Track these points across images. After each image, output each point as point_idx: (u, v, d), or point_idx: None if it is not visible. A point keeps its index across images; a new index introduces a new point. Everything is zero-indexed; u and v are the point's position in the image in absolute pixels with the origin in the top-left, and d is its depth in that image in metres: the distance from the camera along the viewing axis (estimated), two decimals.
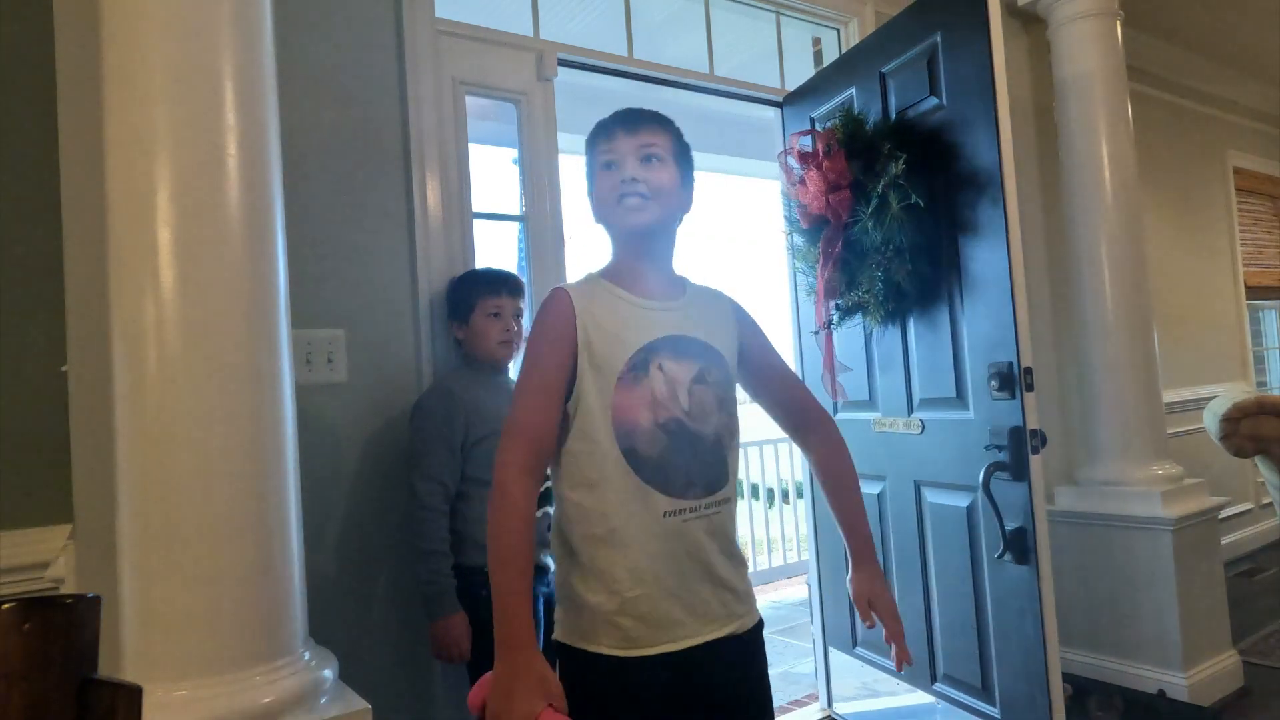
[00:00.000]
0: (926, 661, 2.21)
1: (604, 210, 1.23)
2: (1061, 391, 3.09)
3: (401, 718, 1.79)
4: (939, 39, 2.08)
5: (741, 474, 4.05)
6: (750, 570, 1.32)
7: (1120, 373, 2.76)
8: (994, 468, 1.92)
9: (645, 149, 1.20)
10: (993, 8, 1.91)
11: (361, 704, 1.16)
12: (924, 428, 2.20)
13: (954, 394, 2.09)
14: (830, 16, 2.81)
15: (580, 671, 1.14)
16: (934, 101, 2.12)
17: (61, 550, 1.45)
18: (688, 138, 1.29)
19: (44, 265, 1.48)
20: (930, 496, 2.20)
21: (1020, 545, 1.89)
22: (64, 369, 1.47)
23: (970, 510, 2.06)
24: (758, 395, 1.34)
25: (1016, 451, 1.89)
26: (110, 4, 1.16)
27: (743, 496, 5.21)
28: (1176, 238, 4.18)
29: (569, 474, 1.16)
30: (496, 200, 2.18)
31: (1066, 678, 1.89)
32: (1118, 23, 2.85)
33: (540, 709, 0.98)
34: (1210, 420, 2.91)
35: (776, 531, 5.00)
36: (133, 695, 0.51)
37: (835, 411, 2.48)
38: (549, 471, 1.19)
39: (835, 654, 2.60)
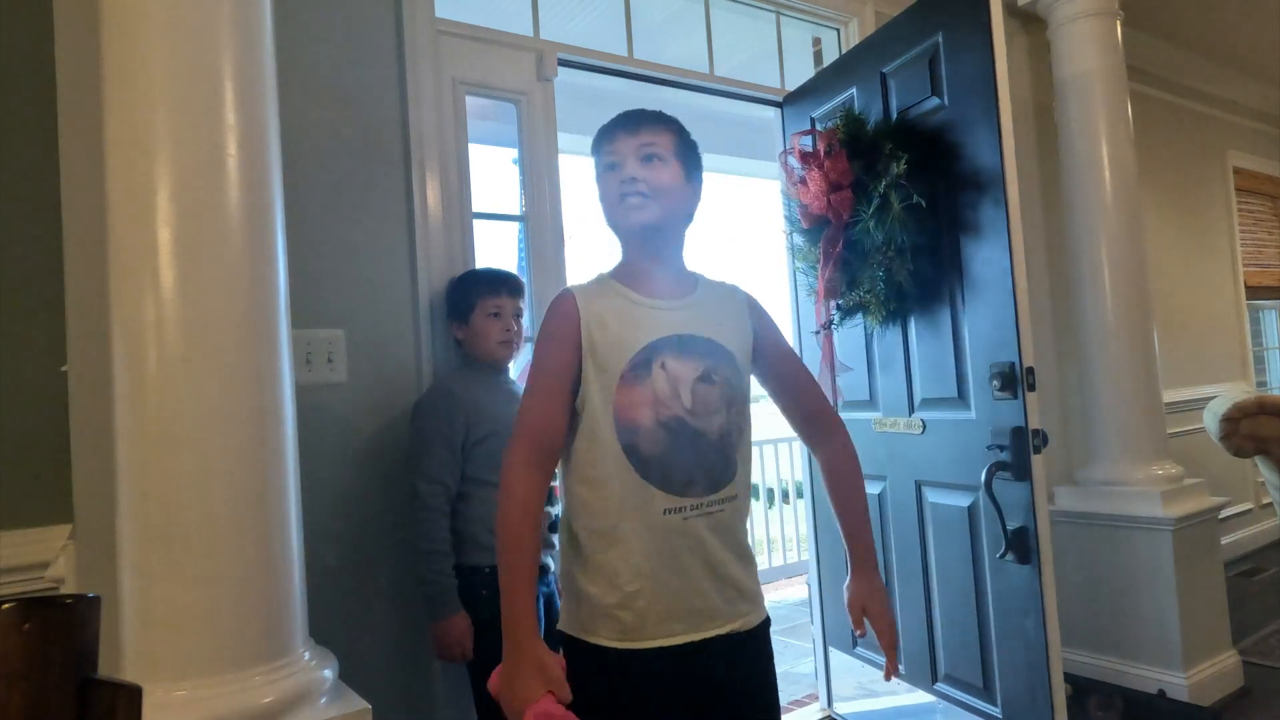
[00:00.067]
0: (928, 661, 2.21)
1: (609, 211, 1.25)
2: (1061, 391, 3.10)
3: (401, 718, 1.79)
4: (940, 39, 2.08)
5: None
6: None
7: (1120, 373, 2.76)
8: (996, 467, 1.92)
9: (645, 148, 1.21)
10: (994, 8, 1.91)
11: (361, 704, 1.16)
12: (925, 428, 2.20)
13: (955, 394, 2.09)
14: (830, 16, 2.81)
15: (581, 662, 1.16)
16: (935, 102, 2.12)
17: (61, 550, 1.45)
18: None
19: (44, 265, 1.48)
20: (931, 496, 2.20)
21: (1022, 545, 1.89)
22: (64, 369, 1.47)
23: (972, 510, 2.06)
24: (770, 393, 1.34)
25: (1018, 451, 1.89)
26: (110, 4, 1.16)
27: None
28: (1176, 238, 4.18)
29: (575, 470, 1.19)
30: (496, 200, 2.18)
31: (1066, 678, 1.89)
32: (1118, 23, 2.85)
33: (539, 695, 1.03)
34: (1210, 420, 2.91)
35: (776, 531, 5.00)
36: (133, 695, 0.51)
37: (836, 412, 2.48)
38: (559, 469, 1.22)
39: (835, 654, 2.60)
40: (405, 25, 1.92)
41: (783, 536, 4.99)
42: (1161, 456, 2.76)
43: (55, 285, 1.47)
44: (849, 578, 1.35)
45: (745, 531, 1.24)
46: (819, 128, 2.40)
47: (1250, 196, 4.87)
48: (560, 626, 1.22)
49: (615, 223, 1.25)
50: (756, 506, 5.13)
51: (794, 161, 2.27)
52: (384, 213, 1.88)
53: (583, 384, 1.17)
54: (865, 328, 2.34)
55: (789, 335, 2.68)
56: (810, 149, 2.22)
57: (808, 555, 2.91)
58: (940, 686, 2.19)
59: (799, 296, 2.61)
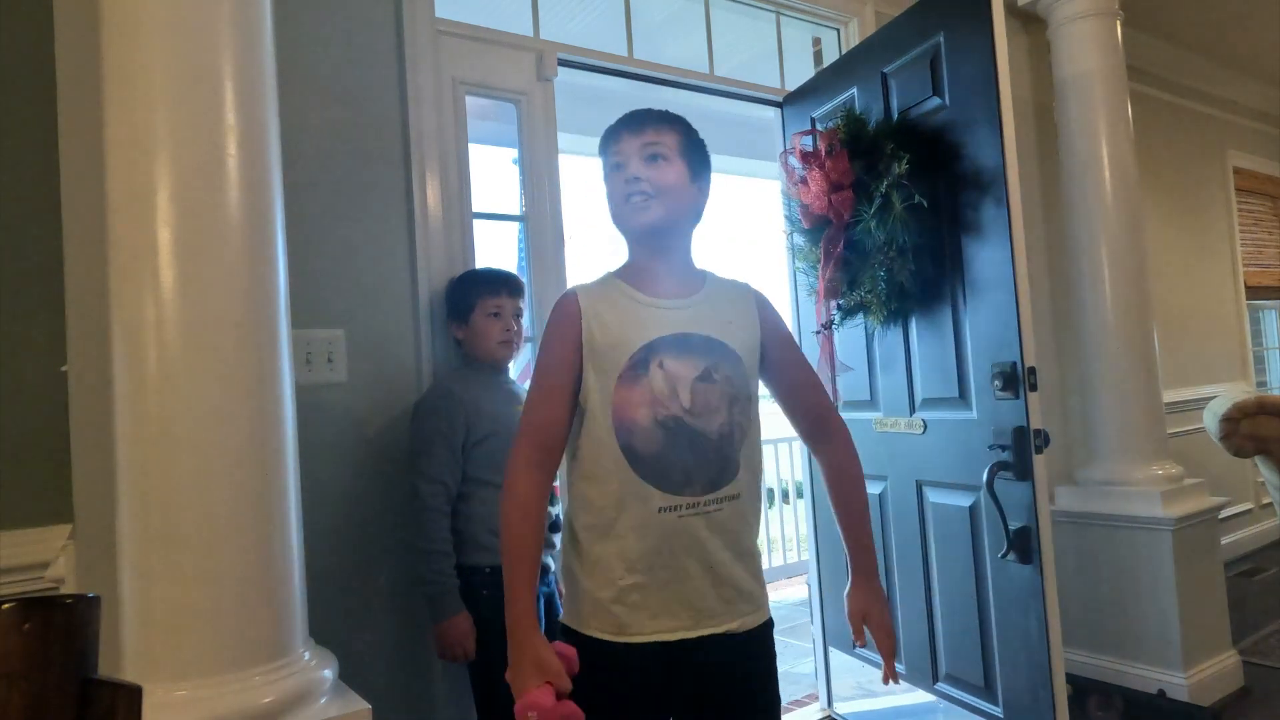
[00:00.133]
0: (928, 661, 2.21)
1: (614, 211, 1.26)
2: (1062, 391, 3.10)
3: (401, 718, 1.78)
4: (942, 39, 2.08)
5: None
6: None
7: (1120, 373, 2.76)
8: (998, 467, 1.92)
9: (649, 148, 1.22)
10: (996, 8, 1.91)
11: (361, 704, 1.16)
12: (926, 427, 2.20)
13: (957, 394, 2.09)
14: (830, 16, 2.81)
15: (578, 653, 1.17)
16: (937, 102, 2.12)
17: (61, 550, 1.45)
18: None
19: (44, 265, 1.48)
20: (932, 496, 2.20)
21: (1024, 545, 1.89)
22: (64, 369, 1.47)
23: (973, 510, 2.06)
24: (775, 393, 1.33)
25: (1020, 451, 1.89)
26: (110, 4, 1.16)
27: None
28: (1176, 238, 4.18)
29: (576, 466, 1.21)
30: (496, 200, 2.18)
31: (1066, 678, 1.89)
32: (1118, 23, 2.85)
33: (536, 686, 1.06)
34: (1210, 420, 2.91)
35: (776, 531, 5.00)
36: (133, 695, 0.51)
37: None
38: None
39: (835, 654, 2.60)
40: (405, 25, 1.92)
41: (783, 536, 4.99)
42: (1161, 456, 2.76)
43: (55, 285, 1.47)
44: (849, 585, 1.35)
45: (750, 532, 1.23)
46: (819, 128, 2.40)
47: (1250, 196, 4.87)
48: (561, 618, 1.25)
49: (620, 222, 1.26)
50: None
51: (795, 161, 2.27)
52: (384, 213, 1.88)
53: (583, 383, 1.18)
54: (866, 327, 2.34)
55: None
56: (811, 149, 2.22)
57: (808, 555, 2.91)
58: (941, 686, 2.19)
59: (799, 296, 2.61)
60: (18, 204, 1.49)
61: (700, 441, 1.16)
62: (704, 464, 1.16)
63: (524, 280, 1.94)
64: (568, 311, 1.21)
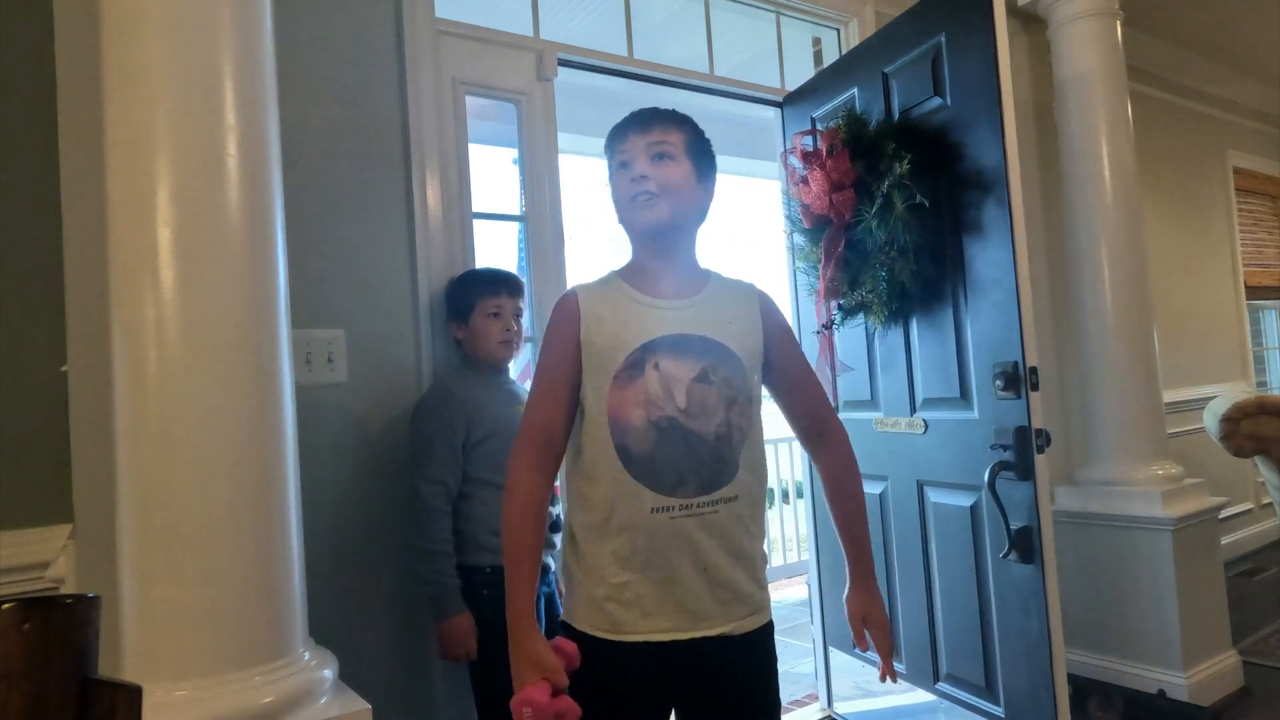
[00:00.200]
0: (929, 661, 2.21)
1: (620, 210, 1.26)
2: (1062, 391, 3.10)
3: (401, 718, 1.78)
4: (943, 39, 2.08)
5: None
6: None
7: (1120, 373, 2.76)
8: (999, 467, 1.92)
9: (655, 147, 1.22)
10: (997, 9, 1.91)
11: (361, 704, 1.16)
12: (927, 427, 2.19)
13: (958, 394, 2.09)
14: (830, 16, 2.81)
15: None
16: (938, 101, 2.12)
17: (61, 550, 1.45)
18: None
19: (44, 265, 1.48)
20: (933, 496, 2.20)
21: (1025, 544, 1.89)
22: (64, 369, 1.46)
23: (974, 510, 2.06)
24: (774, 395, 1.33)
25: (1022, 451, 1.89)
26: (110, 4, 1.16)
27: None
28: (1176, 238, 4.18)
29: (575, 465, 1.22)
30: (496, 200, 2.18)
31: (1067, 678, 1.89)
32: (1118, 23, 2.85)
33: (532, 681, 1.08)
34: (1210, 420, 2.91)
35: (776, 531, 5.00)
36: (133, 695, 0.51)
37: (835, 412, 2.48)
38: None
39: (835, 654, 2.60)
40: (405, 25, 1.92)
41: (783, 536, 4.99)
42: (1161, 456, 2.76)
43: (55, 285, 1.47)
44: (848, 589, 1.35)
45: (748, 535, 1.21)
46: (820, 128, 2.40)
47: (1250, 196, 4.87)
48: (560, 616, 1.26)
49: (626, 221, 1.26)
50: None
51: (796, 161, 2.26)
52: (384, 213, 1.88)
53: (582, 382, 1.19)
54: (867, 327, 2.34)
55: None
56: (812, 148, 2.22)
57: (808, 555, 2.91)
58: (942, 686, 2.19)
59: (799, 296, 2.61)
60: (18, 204, 1.49)
61: (695, 442, 1.16)
62: (699, 465, 1.16)
63: (524, 280, 1.94)
64: (567, 311, 1.22)
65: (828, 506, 1.37)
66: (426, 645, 1.79)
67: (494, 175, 2.29)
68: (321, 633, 1.29)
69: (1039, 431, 1.88)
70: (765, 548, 1.28)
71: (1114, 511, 2.72)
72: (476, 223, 2.04)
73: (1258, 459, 2.96)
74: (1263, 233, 4.97)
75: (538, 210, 2.15)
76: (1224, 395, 3.01)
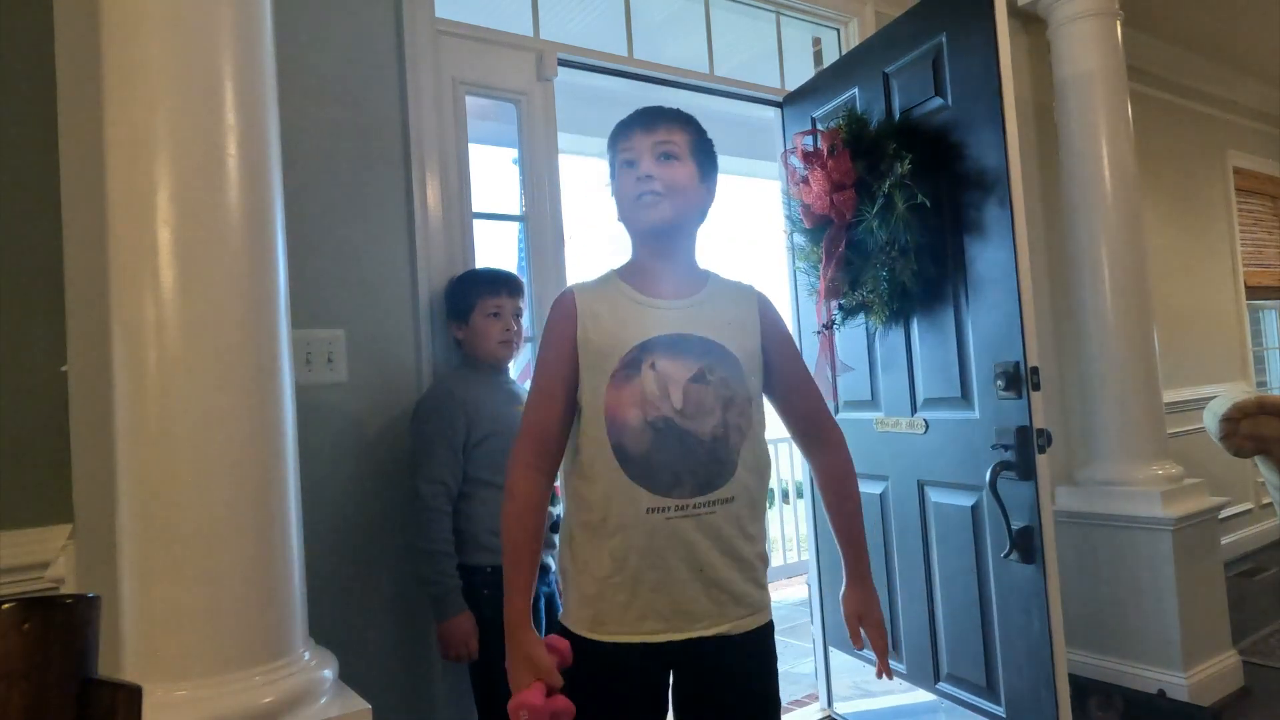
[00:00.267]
0: (930, 661, 2.21)
1: (624, 208, 1.26)
2: (1062, 391, 3.10)
3: (401, 718, 1.78)
4: (944, 39, 2.08)
5: None
6: None
7: (1120, 373, 2.75)
8: (1000, 467, 1.92)
9: (661, 146, 1.22)
10: (999, 9, 1.91)
11: (361, 704, 1.15)
12: (928, 427, 2.19)
13: (959, 394, 2.09)
14: (830, 16, 2.81)
15: (575, 650, 1.18)
16: (939, 102, 2.12)
17: (61, 550, 1.45)
18: None
19: (44, 265, 1.48)
20: (934, 496, 2.20)
21: (1027, 544, 1.89)
22: (64, 369, 1.46)
23: (975, 509, 2.06)
24: (770, 395, 1.32)
25: (1023, 451, 1.89)
26: (110, 4, 1.16)
27: None
28: (1176, 238, 4.18)
29: (573, 464, 1.22)
30: (496, 200, 2.18)
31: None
32: (1118, 23, 2.85)
33: (528, 683, 1.10)
34: (1210, 420, 2.91)
35: (776, 531, 5.00)
36: (133, 695, 0.51)
37: (835, 412, 2.48)
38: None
39: (835, 654, 2.60)
40: (405, 25, 1.92)
41: (783, 536, 4.99)
42: (1161, 456, 2.76)
43: (55, 285, 1.47)
44: (844, 588, 1.35)
45: (745, 536, 1.20)
46: (820, 128, 2.40)
47: (1250, 196, 4.87)
48: (559, 616, 1.26)
49: (629, 220, 1.26)
50: None
51: (796, 161, 2.26)
52: (384, 213, 1.88)
53: (580, 382, 1.19)
54: (867, 327, 2.33)
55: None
56: (813, 148, 2.22)
57: (808, 555, 2.91)
58: (943, 686, 2.18)
59: (799, 296, 2.61)
60: (18, 204, 1.49)
61: (692, 443, 1.15)
62: (695, 466, 1.15)
63: (524, 280, 1.94)
64: (564, 310, 1.22)
65: (824, 507, 1.37)
66: (426, 645, 1.79)
67: (494, 175, 2.29)
68: (321, 633, 1.29)
69: (1040, 431, 1.88)
70: (766, 548, 1.27)
71: (1114, 511, 2.72)
72: (476, 223, 2.04)
73: (1258, 459, 2.96)
74: (1263, 233, 4.97)
75: (538, 210, 2.15)
76: (1224, 395, 3.01)
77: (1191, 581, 2.61)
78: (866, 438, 2.37)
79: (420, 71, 1.93)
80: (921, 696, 2.27)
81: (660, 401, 1.15)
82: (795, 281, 2.61)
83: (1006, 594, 1.98)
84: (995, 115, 1.93)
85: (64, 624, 0.49)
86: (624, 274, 1.27)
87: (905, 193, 2.02)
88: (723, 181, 1.33)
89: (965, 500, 2.09)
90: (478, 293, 1.82)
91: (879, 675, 1.31)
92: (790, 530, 4.98)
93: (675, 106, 1.28)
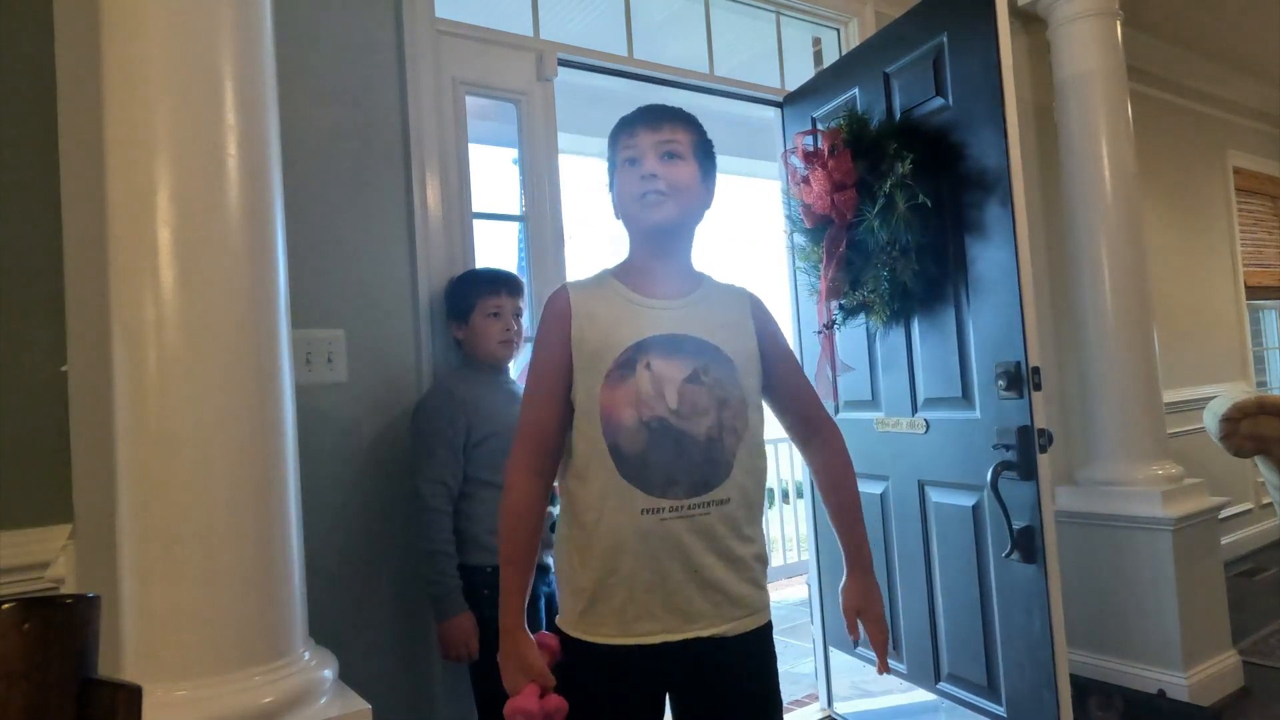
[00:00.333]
0: (931, 661, 2.21)
1: (624, 206, 1.25)
2: (1062, 391, 3.10)
3: (401, 718, 1.78)
4: (945, 39, 2.08)
5: None
6: None
7: (1120, 373, 2.75)
8: (1002, 467, 1.92)
9: (665, 145, 1.21)
10: (1000, 9, 1.91)
11: (361, 704, 1.15)
12: (929, 427, 2.19)
13: (960, 393, 2.09)
14: (830, 17, 2.81)
15: (565, 650, 1.19)
16: (940, 102, 2.12)
17: (61, 550, 1.45)
18: None
19: (44, 265, 1.48)
20: (935, 496, 2.20)
21: (1028, 544, 1.89)
22: (64, 369, 1.46)
23: (976, 509, 2.06)
24: (766, 395, 1.32)
25: (1024, 451, 1.89)
26: (110, 4, 1.16)
27: None
28: (1176, 238, 4.18)
29: (568, 464, 1.21)
30: (496, 200, 2.18)
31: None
32: (1118, 23, 2.85)
33: (522, 685, 1.12)
34: (1210, 420, 2.91)
35: (776, 531, 5.00)
36: (133, 695, 0.51)
37: (835, 412, 2.48)
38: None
39: (835, 654, 2.60)
40: (405, 25, 1.92)
41: (783, 536, 4.99)
42: (1161, 456, 2.76)
43: (55, 285, 1.47)
44: (844, 580, 1.34)
45: (740, 538, 1.19)
46: (821, 128, 2.40)
47: (1250, 196, 4.87)
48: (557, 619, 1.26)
49: (631, 219, 1.25)
50: None
51: (797, 161, 2.26)
52: (384, 213, 1.88)
53: (574, 381, 1.18)
54: (868, 327, 2.33)
55: (789, 335, 2.68)
56: (814, 148, 2.22)
57: (808, 555, 2.91)
58: (943, 686, 2.18)
59: (799, 296, 2.61)
60: (18, 204, 1.49)
61: (687, 443, 1.15)
62: (690, 467, 1.15)
63: (524, 280, 1.94)
64: (558, 309, 1.21)
65: (823, 502, 1.37)
66: (426, 645, 1.79)
67: (494, 175, 2.29)
68: (321, 633, 1.29)
69: (1041, 431, 1.88)
70: (765, 548, 1.26)
71: (1114, 511, 2.72)
72: (476, 223, 2.04)
73: (1258, 459, 2.96)
74: (1263, 233, 4.97)
75: (538, 210, 2.15)
76: (1224, 395, 3.01)
77: (1191, 581, 2.61)
78: (867, 438, 2.37)
79: (420, 71, 1.93)
80: (921, 696, 2.27)
81: (655, 402, 1.14)
82: (795, 281, 2.61)
83: (1007, 594, 1.98)
84: (996, 115, 1.93)
85: (64, 624, 0.49)
86: (619, 273, 1.26)
87: (906, 193, 2.02)
88: (723, 181, 1.33)
89: (966, 500, 2.09)
90: (478, 293, 1.82)
91: (880, 672, 1.30)
92: (790, 530, 4.98)
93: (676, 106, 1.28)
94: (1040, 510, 1.87)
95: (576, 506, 1.19)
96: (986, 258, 2.00)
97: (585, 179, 3.16)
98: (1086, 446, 2.88)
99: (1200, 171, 4.44)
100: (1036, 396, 1.89)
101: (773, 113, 2.72)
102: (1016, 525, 1.90)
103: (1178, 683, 2.55)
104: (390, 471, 1.81)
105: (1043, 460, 1.88)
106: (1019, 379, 1.91)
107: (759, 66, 2.73)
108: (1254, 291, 4.75)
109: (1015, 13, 3.09)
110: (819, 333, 2.32)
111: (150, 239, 1.10)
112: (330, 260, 1.79)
